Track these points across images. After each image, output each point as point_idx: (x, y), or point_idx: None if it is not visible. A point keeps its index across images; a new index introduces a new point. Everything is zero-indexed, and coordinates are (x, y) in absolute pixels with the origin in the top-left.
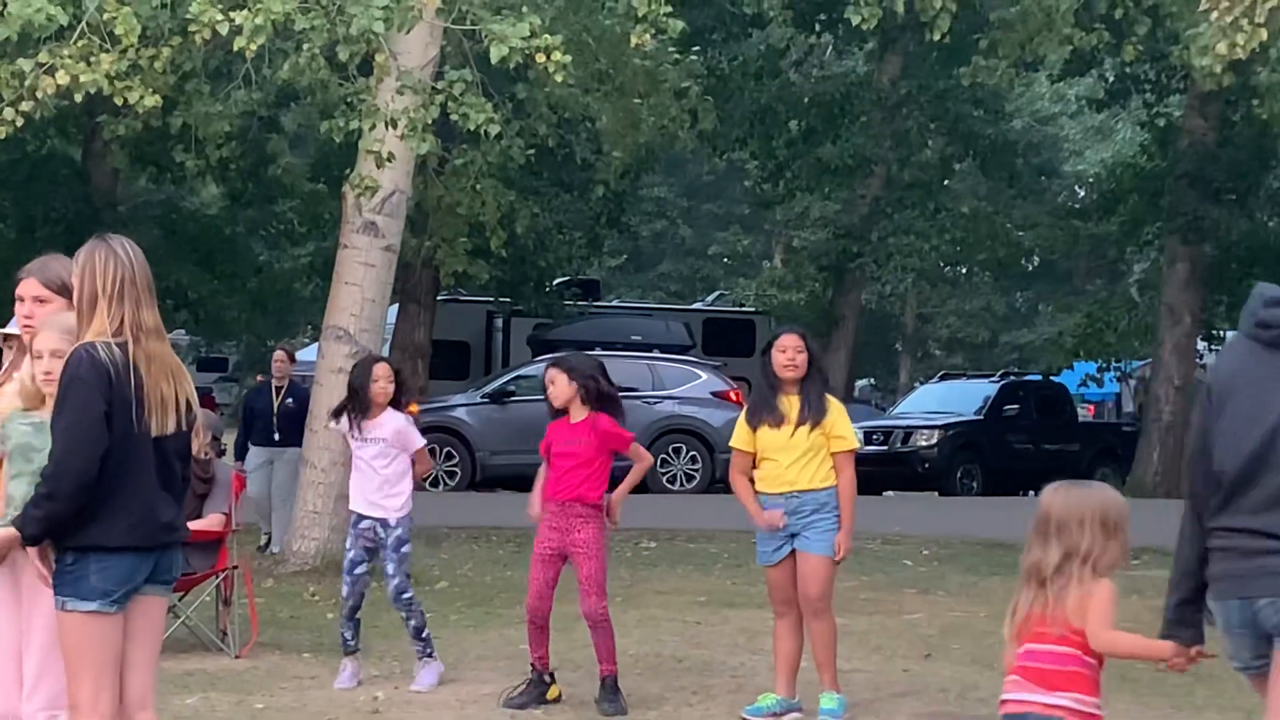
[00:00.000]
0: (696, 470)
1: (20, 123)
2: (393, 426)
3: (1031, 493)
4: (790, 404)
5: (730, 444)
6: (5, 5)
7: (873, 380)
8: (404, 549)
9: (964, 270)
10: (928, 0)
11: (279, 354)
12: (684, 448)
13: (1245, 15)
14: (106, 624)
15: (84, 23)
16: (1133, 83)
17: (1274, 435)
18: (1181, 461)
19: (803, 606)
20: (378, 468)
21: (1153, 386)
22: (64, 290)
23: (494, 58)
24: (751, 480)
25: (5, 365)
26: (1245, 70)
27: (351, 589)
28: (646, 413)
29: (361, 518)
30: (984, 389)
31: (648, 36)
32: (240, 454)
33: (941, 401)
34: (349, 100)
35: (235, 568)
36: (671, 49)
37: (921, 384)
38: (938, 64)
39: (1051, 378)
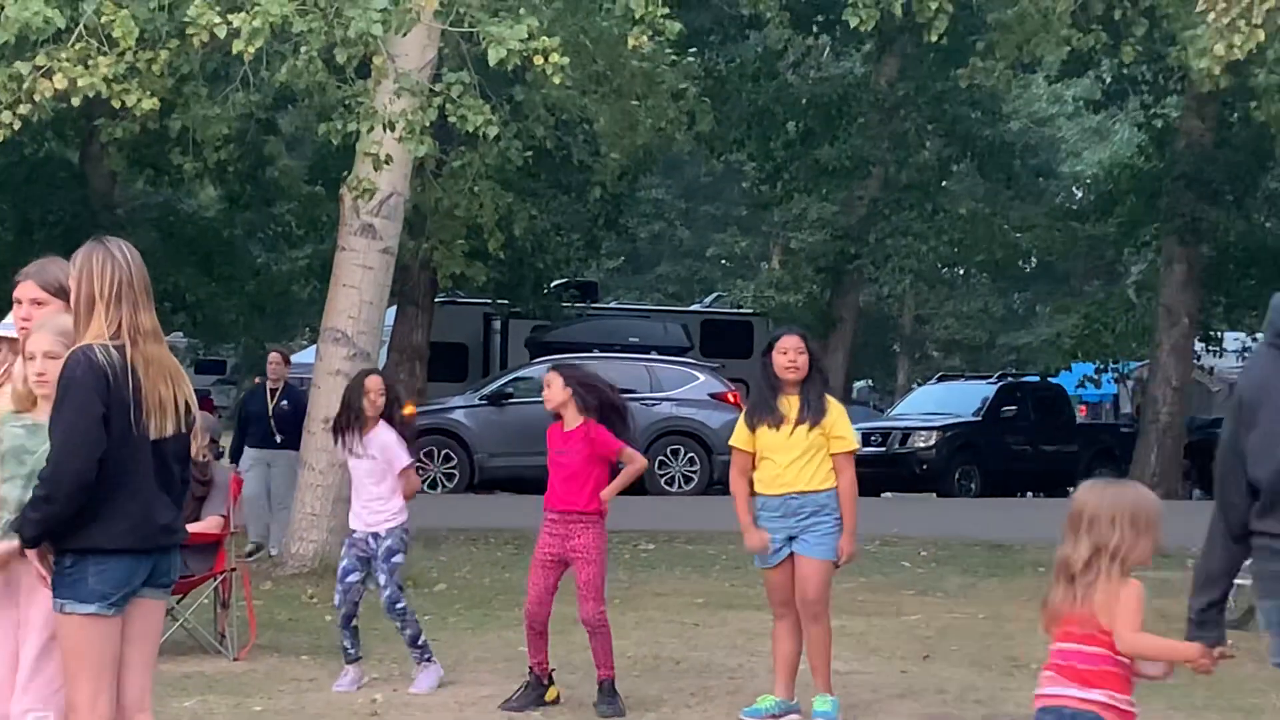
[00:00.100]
0: (694, 472)
1: (18, 126)
2: (380, 443)
3: (1030, 494)
4: (790, 404)
5: (730, 443)
6: (3, 8)
7: (870, 382)
8: (394, 559)
9: (962, 271)
10: (925, 2)
11: (274, 356)
12: (682, 449)
13: (1242, 16)
14: (105, 626)
15: (81, 26)
16: (1130, 84)
17: None
18: (1179, 462)
19: (800, 610)
20: (368, 484)
21: (1150, 387)
22: (61, 293)
23: (492, 60)
24: (752, 481)
25: (2, 367)
26: (1242, 71)
27: (344, 597)
28: (644, 414)
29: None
30: (982, 390)
31: (645, 38)
32: (235, 457)
33: (939, 403)
34: (347, 103)
35: (234, 570)
36: (669, 50)
37: (919, 385)
38: (935, 65)
39: (1049, 379)
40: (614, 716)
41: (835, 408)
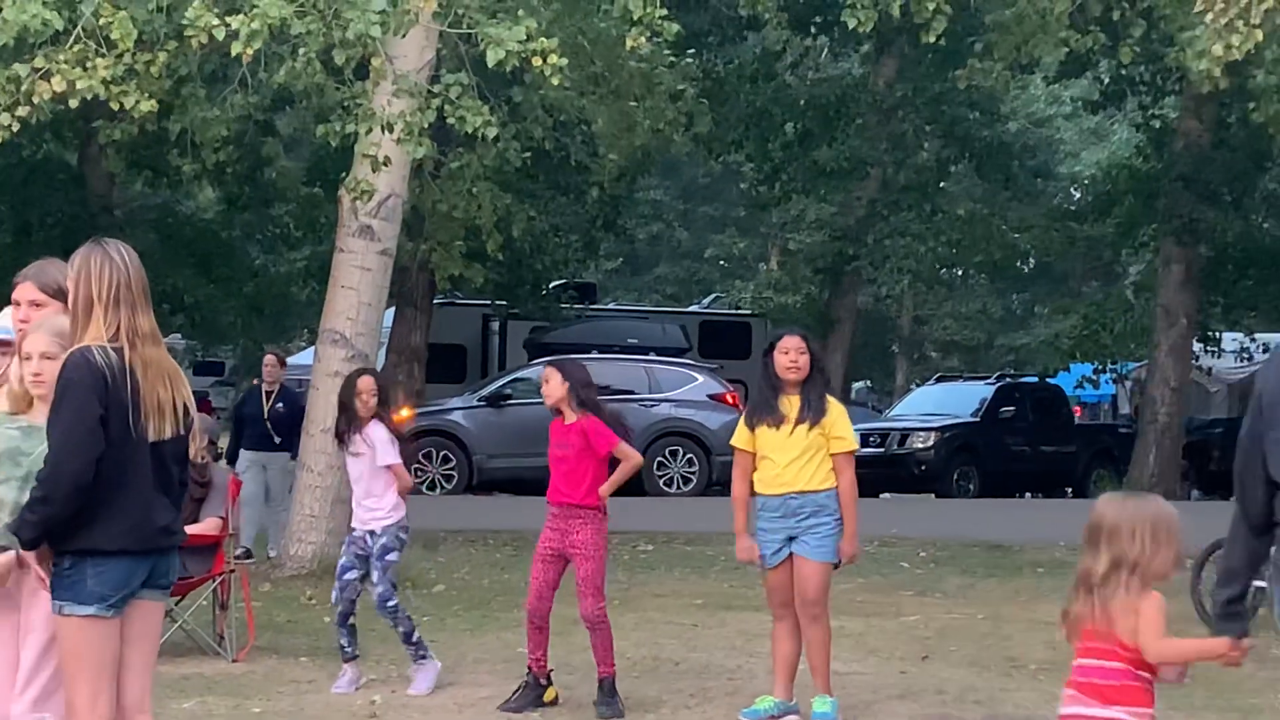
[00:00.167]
0: (693, 473)
1: (16, 128)
2: (370, 441)
3: (1028, 494)
4: (790, 404)
5: (731, 444)
6: (1, 10)
7: (869, 382)
8: (388, 557)
9: (960, 272)
10: (923, 3)
11: (269, 358)
12: (681, 450)
13: (1240, 17)
14: (104, 628)
15: (80, 28)
16: (1128, 85)
17: None
18: (1178, 462)
19: (799, 611)
20: (363, 482)
21: (1148, 388)
22: (60, 294)
23: (490, 61)
24: (752, 482)
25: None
26: (1240, 72)
27: (340, 595)
28: (643, 415)
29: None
30: (980, 391)
31: (643, 39)
32: (231, 458)
33: (938, 403)
34: (345, 104)
35: (232, 571)
36: (667, 52)
37: (918, 386)
38: (933, 66)
39: (1048, 380)
40: (613, 717)
41: (836, 408)
